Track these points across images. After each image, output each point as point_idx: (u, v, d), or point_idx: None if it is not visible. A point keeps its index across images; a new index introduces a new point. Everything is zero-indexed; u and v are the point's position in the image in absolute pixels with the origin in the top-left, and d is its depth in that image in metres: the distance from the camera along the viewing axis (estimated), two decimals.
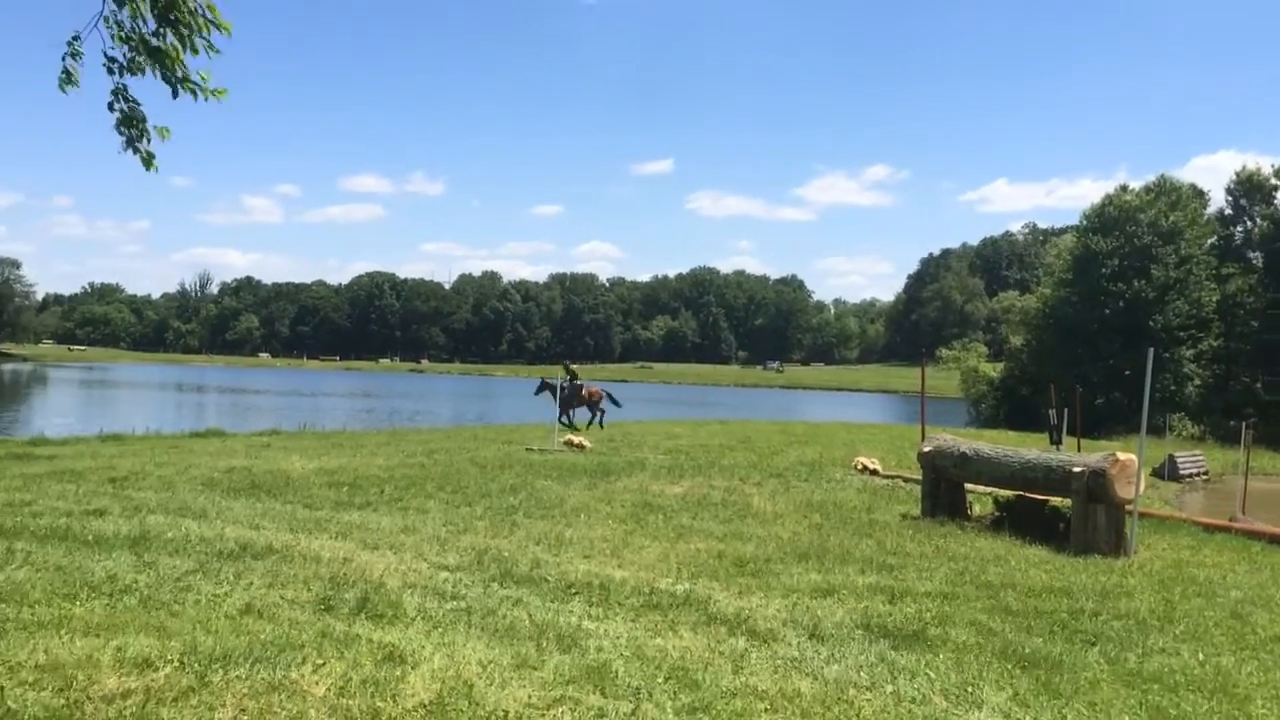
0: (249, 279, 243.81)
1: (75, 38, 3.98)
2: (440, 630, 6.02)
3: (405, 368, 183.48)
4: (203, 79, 4.16)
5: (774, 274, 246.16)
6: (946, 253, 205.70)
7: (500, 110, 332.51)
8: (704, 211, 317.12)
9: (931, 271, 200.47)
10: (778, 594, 7.63)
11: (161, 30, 4.04)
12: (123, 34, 4.01)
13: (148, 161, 4.30)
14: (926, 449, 12.25)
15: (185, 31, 4.03)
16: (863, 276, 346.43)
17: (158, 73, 4.07)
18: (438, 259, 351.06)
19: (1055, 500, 11.59)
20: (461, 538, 9.48)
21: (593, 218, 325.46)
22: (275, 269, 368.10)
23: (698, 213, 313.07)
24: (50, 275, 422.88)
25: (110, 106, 4.14)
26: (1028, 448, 13.77)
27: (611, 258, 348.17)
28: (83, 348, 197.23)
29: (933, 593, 7.93)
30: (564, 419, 25.00)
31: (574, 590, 7.47)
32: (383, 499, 11.94)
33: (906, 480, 15.00)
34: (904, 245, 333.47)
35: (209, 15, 4.07)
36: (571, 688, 4.99)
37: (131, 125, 4.17)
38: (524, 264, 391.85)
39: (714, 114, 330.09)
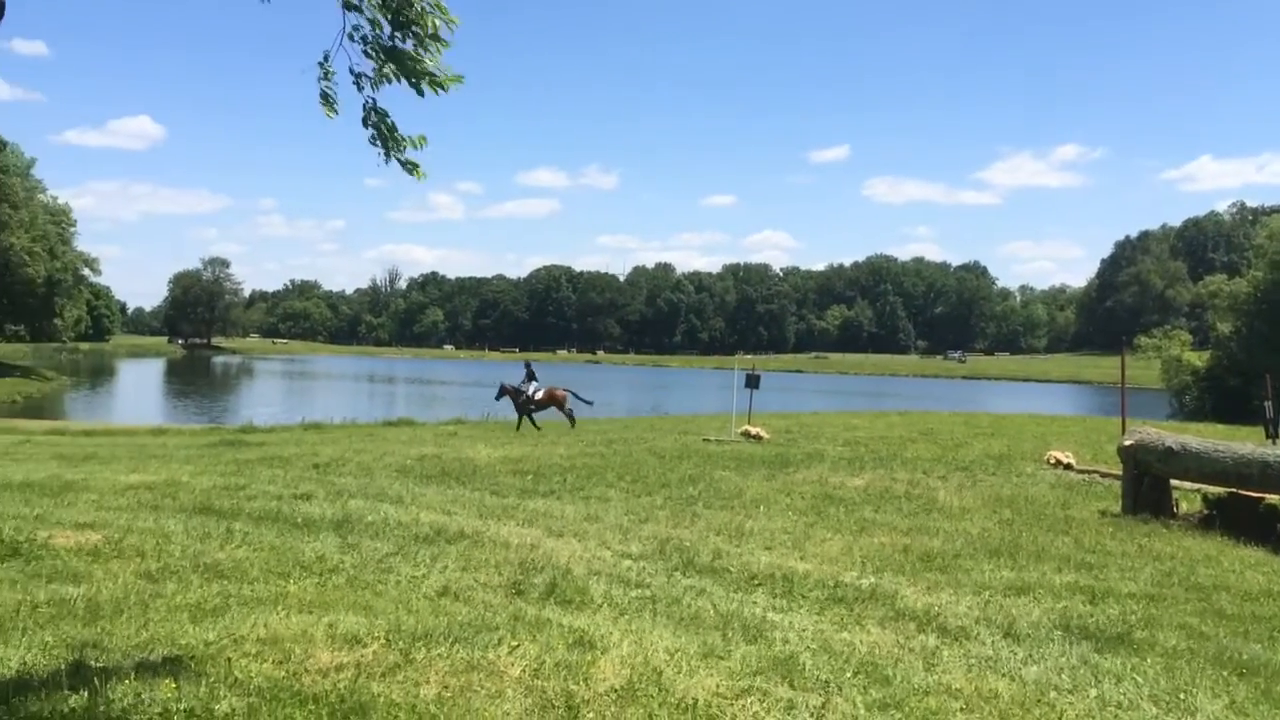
0: (434, 274, 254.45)
1: (325, 58, 4.20)
2: (627, 617, 6.11)
3: (582, 359, 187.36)
4: (444, 70, 4.33)
5: (955, 260, 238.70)
6: (1145, 235, 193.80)
7: (673, 102, 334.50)
8: (880, 198, 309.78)
9: (1128, 255, 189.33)
10: (968, 591, 7.38)
11: (397, 34, 4.23)
12: (366, 46, 4.20)
13: (412, 169, 4.50)
14: (1128, 443, 11.59)
15: (420, 31, 4.21)
16: (1051, 262, 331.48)
17: (401, 79, 4.26)
18: (612, 251, 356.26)
19: (1272, 498, 10.76)
20: (643, 527, 9.60)
21: (766, 207, 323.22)
22: (458, 264, 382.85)
23: (874, 199, 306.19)
24: (256, 273, 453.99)
25: (364, 122, 4.35)
26: (1240, 441, 12.83)
27: (785, 247, 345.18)
28: (285, 341, 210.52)
29: (1137, 594, 7.50)
30: (528, 417, 24.52)
31: (757, 581, 7.45)
32: (565, 487, 12.22)
33: (1104, 475, 14.22)
34: (1097, 228, 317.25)
35: (438, 12, 4.24)
36: (759, 678, 4.98)
37: (385, 138, 4.37)
38: (697, 254, 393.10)
39: (891, 96, 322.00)
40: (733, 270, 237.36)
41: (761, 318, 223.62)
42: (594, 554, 8.22)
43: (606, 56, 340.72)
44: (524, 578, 7.10)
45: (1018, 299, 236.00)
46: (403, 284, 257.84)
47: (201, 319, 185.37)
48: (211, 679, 4.37)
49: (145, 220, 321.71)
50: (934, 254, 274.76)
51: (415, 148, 4.47)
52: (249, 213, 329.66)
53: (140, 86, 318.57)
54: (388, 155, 4.42)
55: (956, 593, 7.30)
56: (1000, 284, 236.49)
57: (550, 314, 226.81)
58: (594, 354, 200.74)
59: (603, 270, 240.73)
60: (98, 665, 4.50)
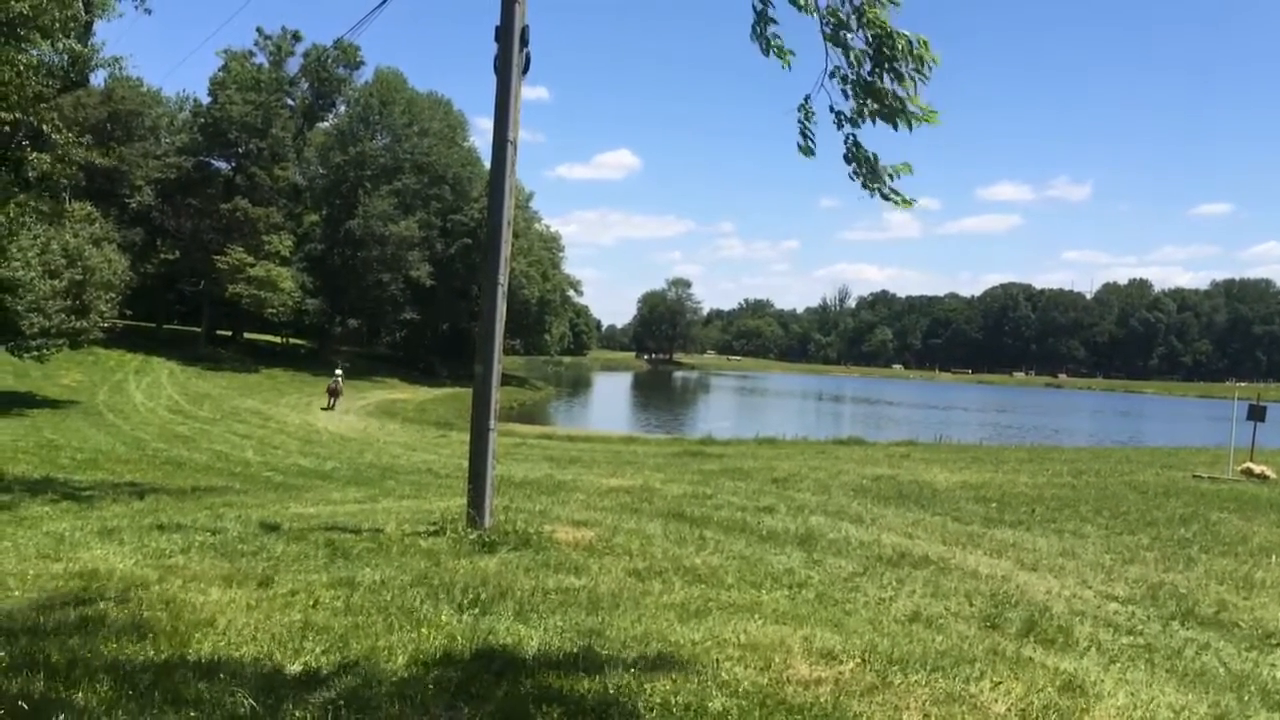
0: (884, 293, 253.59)
1: (805, 100, 4.38)
2: (1118, 665, 5.61)
3: (1040, 382, 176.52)
4: (921, 107, 4.33)
5: None
6: None
7: (1159, 98, 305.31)
8: None
9: None
10: None
11: (878, 72, 4.29)
12: (845, 85, 4.32)
13: (897, 200, 4.59)
14: None
15: (900, 68, 4.24)
16: None
17: (879, 116, 4.32)
18: (1078, 267, 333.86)
19: None
20: (1128, 568, 8.78)
21: (1273, 214, 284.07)
22: (909, 282, 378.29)
23: None
24: (713, 293, 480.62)
25: (845, 159, 4.49)
26: None
27: None
28: (738, 357, 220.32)
29: None
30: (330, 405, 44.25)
31: (1275, 641, 6.53)
32: (1034, 519, 11.52)
33: None
34: None
35: (919, 49, 4.24)
36: None
37: (865, 174, 4.48)
38: (1180, 270, 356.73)
39: None
40: (1225, 287, 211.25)
41: (1259, 340, 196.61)
42: (1074, 593, 7.65)
43: (1075, 57, 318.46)
44: (997, 611, 6.77)
45: None
46: (852, 303, 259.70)
47: (665, 335, 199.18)
48: (702, 677, 4.61)
49: (619, 245, 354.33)
50: None
51: (897, 178, 4.46)
52: (709, 236, 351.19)
53: (622, 123, 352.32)
54: (870, 191, 4.45)
55: None
56: None
57: (1006, 334, 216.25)
58: (1054, 376, 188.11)
59: (1067, 288, 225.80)
60: (603, 652, 4.93)
